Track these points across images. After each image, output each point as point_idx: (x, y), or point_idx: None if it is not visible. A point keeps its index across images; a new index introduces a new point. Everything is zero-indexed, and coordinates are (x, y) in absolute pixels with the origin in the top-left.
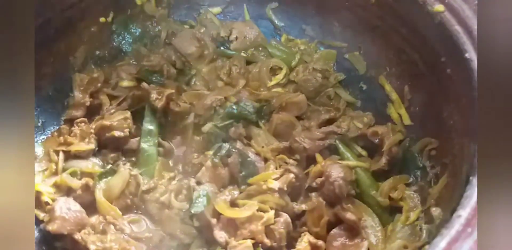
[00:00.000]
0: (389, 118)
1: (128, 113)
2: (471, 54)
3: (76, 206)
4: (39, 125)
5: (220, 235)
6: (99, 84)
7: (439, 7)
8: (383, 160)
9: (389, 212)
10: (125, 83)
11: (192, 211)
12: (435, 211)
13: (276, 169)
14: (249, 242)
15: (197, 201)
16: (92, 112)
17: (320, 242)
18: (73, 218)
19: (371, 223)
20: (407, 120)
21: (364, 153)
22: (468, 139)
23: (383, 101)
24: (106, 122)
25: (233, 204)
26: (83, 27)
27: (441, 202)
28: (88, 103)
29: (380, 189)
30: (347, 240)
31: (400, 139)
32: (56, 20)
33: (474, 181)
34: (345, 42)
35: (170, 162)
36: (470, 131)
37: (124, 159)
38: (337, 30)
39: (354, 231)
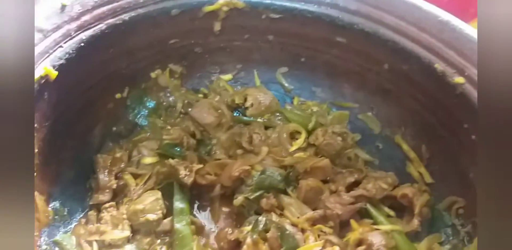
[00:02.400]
0: (409, 177)
1: (159, 194)
2: None
3: None
4: (65, 213)
5: None
6: (123, 164)
7: (459, 79)
8: (416, 222)
9: None
10: (148, 160)
11: None
12: None
13: (316, 240)
14: None
15: None
16: (116, 193)
17: None
18: None
19: None
20: (428, 179)
21: (392, 213)
22: None
23: (401, 159)
24: (139, 206)
25: None
26: (100, 105)
27: None
28: (114, 186)
29: None
30: None
31: (428, 199)
32: (77, 103)
33: None
34: (357, 103)
35: (204, 240)
36: None
37: (159, 241)
38: (348, 92)
39: None
